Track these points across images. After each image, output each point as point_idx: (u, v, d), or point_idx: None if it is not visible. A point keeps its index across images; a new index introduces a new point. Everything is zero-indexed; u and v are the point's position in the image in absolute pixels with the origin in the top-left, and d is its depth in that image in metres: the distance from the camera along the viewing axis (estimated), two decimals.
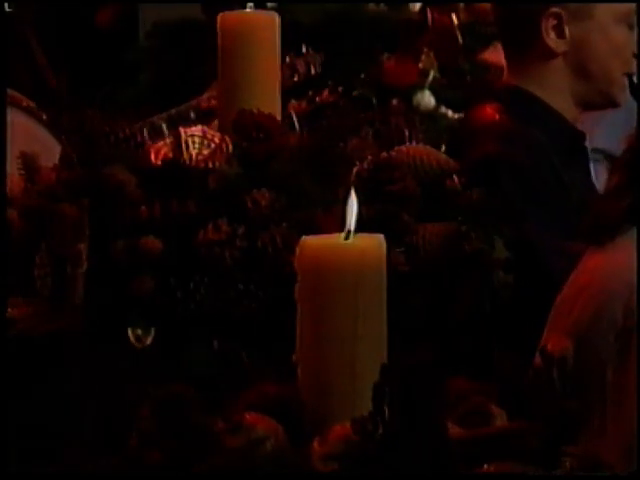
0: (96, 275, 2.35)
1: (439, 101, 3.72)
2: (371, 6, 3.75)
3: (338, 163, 2.45)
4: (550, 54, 3.06)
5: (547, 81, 3.08)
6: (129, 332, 2.37)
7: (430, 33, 3.68)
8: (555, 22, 3.02)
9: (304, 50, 3.62)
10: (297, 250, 1.79)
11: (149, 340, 2.39)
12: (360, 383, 1.71)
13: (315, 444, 1.67)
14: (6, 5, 3.15)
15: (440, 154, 2.55)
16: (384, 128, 2.58)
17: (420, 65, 3.68)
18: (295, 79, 3.65)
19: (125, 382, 2.32)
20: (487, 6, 3.80)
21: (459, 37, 3.67)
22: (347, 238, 1.77)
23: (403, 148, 2.51)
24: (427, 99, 3.69)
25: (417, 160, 2.49)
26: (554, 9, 3.01)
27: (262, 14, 2.57)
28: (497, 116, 3.03)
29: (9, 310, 2.44)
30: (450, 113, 3.73)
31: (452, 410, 1.73)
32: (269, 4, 2.65)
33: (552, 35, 3.03)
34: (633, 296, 2.18)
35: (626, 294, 2.19)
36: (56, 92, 3.35)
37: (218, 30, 2.53)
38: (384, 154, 2.48)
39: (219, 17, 2.55)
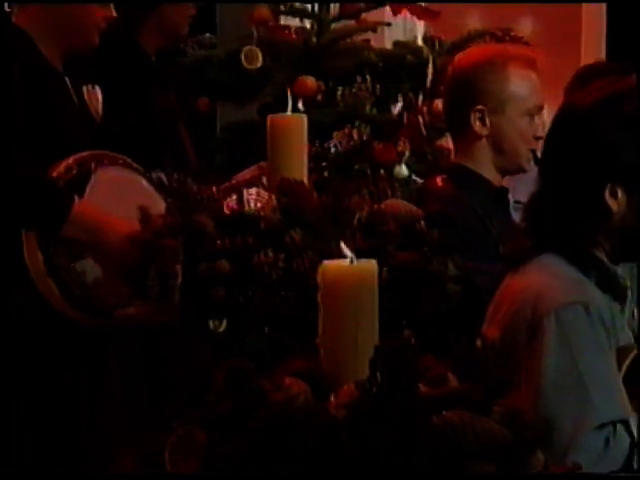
0: (187, 286, 2.30)
1: (411, 172, 3.67)
2: (367, 110, 3.68)
3: (345, 213, 2.40)
4: (477, 137, 2.96)
5: (477, 157, 2.98)
6: (210, 323, 2.32)
7: (405, 128, 3.64)
8: (479, 115, 2.93)
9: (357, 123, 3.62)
10: (319, 270, 1.74)
11: (222, 328, 2.33)
12: (361, 358, 1.65)
13: (331, 398, 1.63)
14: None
15: (411, 206, 2.50)
16: (375, 190, 2.53)
17: (399, 148, 3.63)
18: (351, 143, 3.64)
19: (206, 356, 2.27)
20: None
21: (423, 130, 3.62)
22: (352, 262, 1.73)
23: (388, 202, 2.47)
24: (403, 171, 3.64)
25: (396, 211, 2.44)
26: (479, 106, 2.93)
27: (295, 116, 2.50)
28: (441, 185, 2.99)
29: (131, 308, 2.39)
30: (418, 180, 3.67)
31: (422, 376, 1.70)
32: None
33: (477, 124, 2.94)
34: (538, 302, 2.11)
35: (533, 301, 2.11)
36: (197, 168, 3.23)
37: (268, 127, 2.49)
38: (375, 207, 2.43)
39: (268, 118, 2.50)
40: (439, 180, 2.99)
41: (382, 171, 3.60)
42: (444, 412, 1.60)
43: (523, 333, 2.09)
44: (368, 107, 3.70)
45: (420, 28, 4.48)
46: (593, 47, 5.75)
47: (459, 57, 3.15)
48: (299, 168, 2.47)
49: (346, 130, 3.55)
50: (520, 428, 1.64)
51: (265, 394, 1.63)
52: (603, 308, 2.08)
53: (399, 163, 3.62)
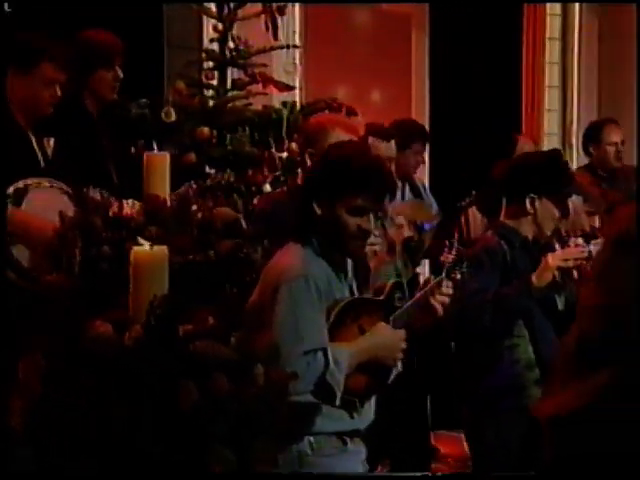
0: (84, 263, 2.30)
1: (274, 189, 3.63)
2: (246, 149, 3.68)
3: (188, 216, 2.39)
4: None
5: None
6: None
7: (267, 160, 3.62)
8: (309, 156, 2.82)
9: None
10: (131, 252, 1.78)
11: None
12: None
13: (126, 335, 1.68)
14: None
15: (233, 212, 2.47)
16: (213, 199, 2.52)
17: (264, 173, 3.61)
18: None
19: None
20: None
21: (278, 162, 3.60)
22: (152, 248, 1.77)
23: (218, 209, 2.44)
24: (267, 188, 3.61)
25: (223, 214, 2.43)
26: (310, 150, 2.83)
27: (160, 154, 2.49)
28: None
29: (49, 277, 2.41)
30: None
31: (190, 319, 1.74)
32: None
33: (309, 162, 2.82)
34: (279, 275, 2.11)
35: (277, 274, 2.14)
36: (115, 184, 3.20)
37: (144, 161, 2.46)
38: (208, 212, 2.41)
39: (144, 155, 2.47)
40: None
41: (254, 188, 3.61)
42: (197, 342, 1.67)
43: (270, 295, 2.12)
44: (247, 147, 3.71)
45: (296, 93, 4.55)
46: (420, 108, 5.81)
47: (310, 120, 3.21)
48: (162, 187, 2.46)
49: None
50: (246, 351, 1.71)
51: (84, 330, 1.69)
52: (320, 278, 2.12)
53: (264, 183, 3.63)
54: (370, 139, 3.60)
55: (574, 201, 2.92)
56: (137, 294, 1.77)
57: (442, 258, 2.24)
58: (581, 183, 3.23)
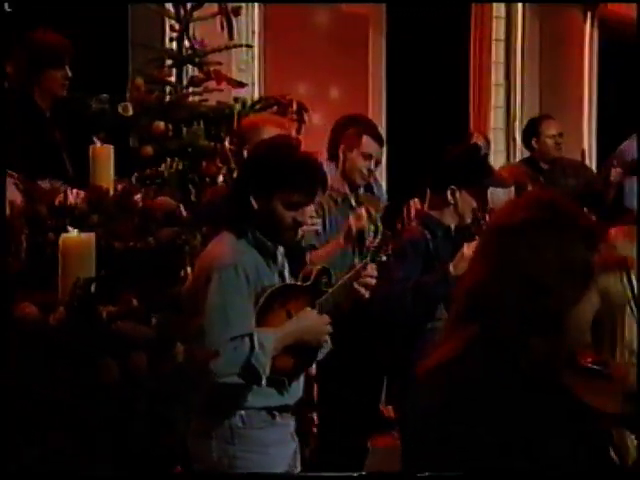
0: (29, 248, 2.31)
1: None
2: (200, 141, 3.68)
3: (129, 204, 2.41)
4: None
5: None
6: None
7: (219, 152, 3.63)
8: (246, 151, 2.84)
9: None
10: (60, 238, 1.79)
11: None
12: None
13: (51, 316, 1.70)
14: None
15: (172, 201, 2.51)
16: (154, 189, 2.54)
17: (217, 164, 3.62)
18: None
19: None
20: None
21: (229, 154, 3.60)
22: (79, 235, 1.79)
23: (159, 199, 2.48)
24: (221, 178, 3.63)
25: (163, 204, 2.45)
26: (247, 146, 2.86)
27: (104, 147, 2.52)
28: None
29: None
30: None
31: (115, 300, 1.76)
32: None
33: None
34: (211, 262, 2.11)
35: (209, 261, 2.14)
36: (70, 175, 3.17)
37: (90, 153, 2.50)
38: (149, 201, 2.45)
39: (90, 148, 2.52)
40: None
41: (207, 179, 3.61)
42: (119, 322, 1.70)
43: (202, 281, 2.13)
44: (201, 140, 3.71)
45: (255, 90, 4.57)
46: (376, 105, 5.84)
47: (243, 120, 3.24)
48: (106, 177, 2.50)
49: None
50: (164, 330, 1.73)
51: (21, 309, 1.70)
52: (249, 266, 2.14)
53: (217, 175, 3.63)
54: (364, 138, 3.58)
55: (498, 192, 2.97)
56: (65, 278, 1.80)
57: (368, 243, 2.26)
58: (506, 177, 3.27)
